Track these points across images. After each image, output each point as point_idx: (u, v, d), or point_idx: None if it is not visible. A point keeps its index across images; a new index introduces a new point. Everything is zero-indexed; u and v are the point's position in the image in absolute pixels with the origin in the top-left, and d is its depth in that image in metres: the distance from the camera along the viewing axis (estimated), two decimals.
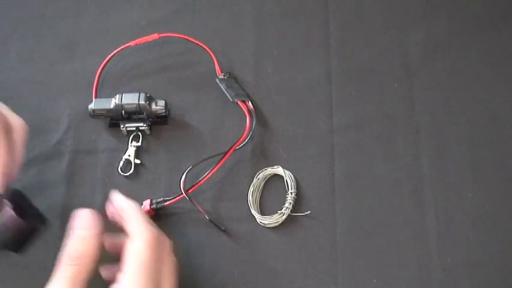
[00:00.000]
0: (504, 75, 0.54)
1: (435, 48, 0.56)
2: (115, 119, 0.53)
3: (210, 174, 0.49)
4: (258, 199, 0.51)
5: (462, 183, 0.50)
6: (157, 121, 0.54)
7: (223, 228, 0.49)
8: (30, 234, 0.44)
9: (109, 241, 0.42)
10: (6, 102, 0.42)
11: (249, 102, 0.54)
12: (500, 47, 0.55)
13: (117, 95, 0.52)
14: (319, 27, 0.58)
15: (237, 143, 0.51)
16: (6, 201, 0.42)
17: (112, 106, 0.52)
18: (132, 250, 0.39)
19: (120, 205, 0.43)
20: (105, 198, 0.46)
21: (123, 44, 0.55)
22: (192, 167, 0.49)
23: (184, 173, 0.48)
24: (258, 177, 0.51)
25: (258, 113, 0.53)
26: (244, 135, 0.51)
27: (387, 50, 0.56)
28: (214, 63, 0.56)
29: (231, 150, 0.50)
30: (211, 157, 0.50)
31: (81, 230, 0.39)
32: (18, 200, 0.44)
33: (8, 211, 0.42)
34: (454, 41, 0.56)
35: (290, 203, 0.49)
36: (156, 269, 0.38)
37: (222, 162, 0.49)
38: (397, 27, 0.57)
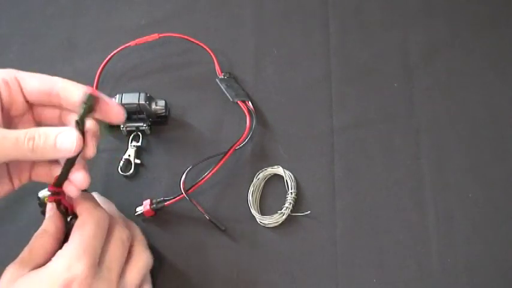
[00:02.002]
0: (504, 75, 0.54)
1: (435, 48, 0.56)
2: None
3: (210, 174, 0.49)
4: (258, 199, 0.51)
5: (462, 183, 0.50)
6: (157, 121, 0.54)
7: (223, 228, 0.49)
8: None
9: None
10: None
11: (249, 102, 0.54)
12: (500, 47, 0.55)
13: (117, 95, 0.52)
14: (319, 27, 0.58)
15: (237, 143, 0.51)
16: None
17: None
18: (79, 225, 0.40)
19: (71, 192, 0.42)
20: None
21: (123, 44, 0.55)
22: (192, 167, 0.49)
23: (184, 173, 0.48)
24: (258, 177, 0.51)
25: (258, 113, 0.53)
26: (244, 135, 0.51)
27: (387, 50, 0.56)
28: (214, 63, 0.56)
29: (231, 150, 0.50)
30: (211, 157, 0.50)
31: None
32: None
33: None
34: (454, 41, 0.56)
35: (290, 203, 0.49)
36: (99, 246, 0.39)
37: (222, 162, 0.49)
38: (397, 27, 0.57)
